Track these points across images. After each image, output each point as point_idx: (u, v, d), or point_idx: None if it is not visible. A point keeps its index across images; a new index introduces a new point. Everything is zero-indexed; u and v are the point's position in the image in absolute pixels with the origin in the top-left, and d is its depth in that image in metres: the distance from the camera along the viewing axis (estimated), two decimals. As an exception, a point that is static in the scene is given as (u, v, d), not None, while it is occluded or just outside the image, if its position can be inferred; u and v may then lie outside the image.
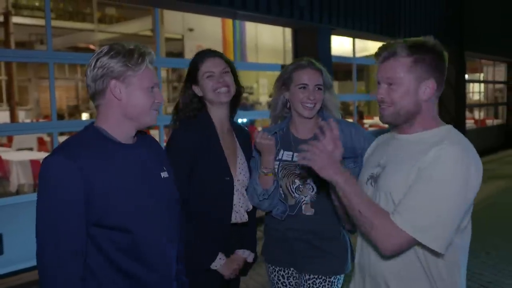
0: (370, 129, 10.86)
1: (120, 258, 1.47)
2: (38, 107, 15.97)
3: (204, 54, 2.08)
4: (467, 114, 14.79)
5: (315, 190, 2.06)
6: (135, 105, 1.50)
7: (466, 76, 14.03)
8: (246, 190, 2.11)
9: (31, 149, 9.92)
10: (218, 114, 2.09)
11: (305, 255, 2.09)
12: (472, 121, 13.71)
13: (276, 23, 6.85)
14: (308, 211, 2.07)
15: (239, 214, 2.07)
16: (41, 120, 13.34)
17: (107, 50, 1.49)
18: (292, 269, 2.16)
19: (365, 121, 14.02)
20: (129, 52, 1.48)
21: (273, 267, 2.21)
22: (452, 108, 10.91)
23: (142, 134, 1.66)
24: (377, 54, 1.55)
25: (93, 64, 1.49)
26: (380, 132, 9.83)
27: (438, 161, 1.39)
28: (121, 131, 1.53)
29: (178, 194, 1.68)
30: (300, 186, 2.06)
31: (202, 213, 1.94)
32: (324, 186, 2.03)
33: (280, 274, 2.19)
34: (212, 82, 2.02)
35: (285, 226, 2.10)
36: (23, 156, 7.72)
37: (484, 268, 4.51)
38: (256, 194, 2.03)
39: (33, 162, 6.84)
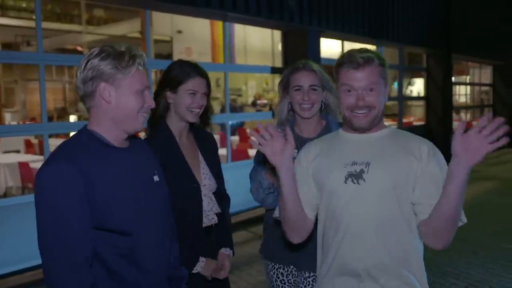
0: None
1: (117, 263, 1.46)
2: (25, 109, 15.83)
3: (195, 70, 2.08)
4: (454, 116, 14.95)
5: None
6: (124, 108, 1.48)
7: (453, 78, 14.21)
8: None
9: (18, 151, 9.84)
10: (177, 125, 2.13)
11: (305, 252, 2.10)
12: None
13: (266, 25, 6.88)
14: None
15: (209, 218, 2.13)
16: (28, 122, 13.24)
17: (98, 52, 1.47)
18: (291, 266, 2.19)
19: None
20: (120, 54, 1.47)
21: (273, 264, 2.24)
22: (439, 110, 11.02)
23: (134, 138, 1.65)
24: (351, 62, 1.61)
25: (83, 65, 1.47)
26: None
27: (437, 154, 1.61)
28: (112, 134, 1.51)
29: (168, 197, 1.69)
30: None
31: (175, 221, 1.94)
32: None
33: (279, 271, 2.21)
34: (191, 101, 2.05)
35: None
36: (10, 158, 7.65)
37: (471, 267, 4.57)
38: (262, 188, 2.09)
39: (21, 165, 6.79)
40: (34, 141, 10.43)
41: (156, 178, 1.62)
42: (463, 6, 11.54)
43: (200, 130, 2.24)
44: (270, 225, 2.22)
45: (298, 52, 6.88)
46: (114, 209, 1.43)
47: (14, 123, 14.16)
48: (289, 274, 2.20)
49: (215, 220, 2.15)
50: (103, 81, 1.46)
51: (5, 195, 6.88)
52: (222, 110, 7.04)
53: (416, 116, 16.08)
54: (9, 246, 4.20)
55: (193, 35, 13.05)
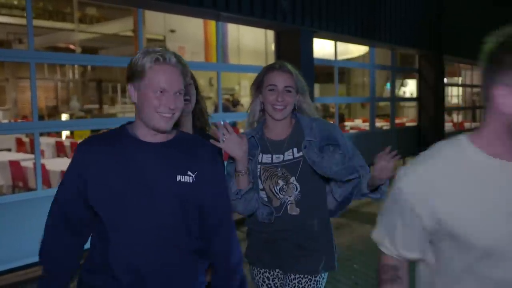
0: (351, 131, 10.94)
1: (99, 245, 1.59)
2: (16, 107, 15.72)
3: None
4: (446, 117, 15.04)
5: (298, 189, 2.07)
6: (143, 108, 1.52)
7: (445, 80, 14.28)
8: None
9: (9, 149, 9.78)
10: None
11: (291, 255, 2.09)
12: (451, 124, 13.94)
13: (259, 25, 6.89)
14: (294, 210, 2.08)
15: None
16: (19, 121, 13.15)
17: (140, 52, 1.54)
18: (277, 270, 2.16)
19: (346, 123, 14.14)
20: (147, 54, 1.50)
21: (258, 269, 2.20)
22: (432, 111, 11.08)
23: (184, 135, 1.70)
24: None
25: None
26: (360, 134, 9.96)
27: None
28: (140, 130, 1.58)
29: (197, 200, 1.61)
30: (284, 186, 2.07)
31: None
32: (307, 184, 2.07)
33: (265, 276, 2.19)
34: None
35: (271, 227, 2.11)
36: (1, 157, 7.61)
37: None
38: (230, 193, 2.03)
39: (11, 163, 6.74)
40: (26, 139, 10.37)
41: (181, 178, 1.57)
42: (455, 8, 11.60)
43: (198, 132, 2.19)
44: (254, 230, 2.20)
45: (291, 52, 6.89)
46: (94, 193, 1.55)
47: (6, 121, 14.09)
48: (275, 278, 2.18)
49: None
50: (129, 81, 1.55)
51: (-5, 194, 6.84)
52: (216, 110, 7.02)
53: (409, 117, 16.18)
54: (1, 245, 4.17)
55: (186, 34, 13.03)
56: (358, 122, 14.64)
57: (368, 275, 4.45)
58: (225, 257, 1.69)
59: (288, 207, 2.09)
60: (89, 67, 19.48)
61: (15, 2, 14.52)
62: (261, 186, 2.10)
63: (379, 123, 12.89)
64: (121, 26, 13.50)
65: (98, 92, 18.52)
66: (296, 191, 2.07)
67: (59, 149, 9.81)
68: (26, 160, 6.84)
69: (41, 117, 15.09)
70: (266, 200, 2.10)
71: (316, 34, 7.28)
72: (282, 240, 2.10)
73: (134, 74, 1.52)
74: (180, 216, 1.58)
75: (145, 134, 1.57)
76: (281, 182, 2.07)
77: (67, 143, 9.85)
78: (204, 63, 8.89)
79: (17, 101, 15.82)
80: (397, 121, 13.12)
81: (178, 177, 1.57)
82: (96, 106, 17.29)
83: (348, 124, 13.88)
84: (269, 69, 2.12)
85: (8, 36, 14.59)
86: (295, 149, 2.08)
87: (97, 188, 1.54)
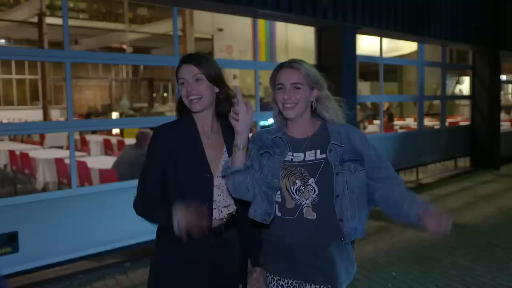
0: (400, 130, 10.58)
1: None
2: (73, 106, 16.31)
3: (181, 60, 2.08)
4: (504, 116, 14.26)
5: (316, 192, 1.94)
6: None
7: (504, 77, 13.52)
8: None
9: (61, 147, 10.14)
10: (199, 117, 2.10)
11: (308, 263, 1.97)
12: (509, 123, 13.22)
13: (298, 22, 6.73)
14: (310, 215, 1.95)
15: (217, 210, 2.06)
16: (75, 119, 13.61)
17: None
18: (293, 279, 2.04)
19: (396, 122, 13.73)
20: None
21: (272, 276, 2.09)
22: (486, 110, 10.51)
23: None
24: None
25: None
26: (408, 134, 9.60)
27: None
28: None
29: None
30: (301, 187, 1.95)
31: None
32: (326, 188, 1.94)
33: (279, 284, 2.07)
34: (183, 90, 2.04)
35: (284, 231, 2.00)
36: (51, 154, 7.87)
37: None
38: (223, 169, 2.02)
39: (57, 161, 6.95)
40: (77, 137, 10.74)
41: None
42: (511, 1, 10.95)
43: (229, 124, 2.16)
44: (267, 233, 2.10)
45: (333, 49, 6.69)
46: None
47: (62, 119, 14.68)
48: (290, 286, 2.07)
49: (223, 215, 2.07)
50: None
51: (43, 190, 7.08)
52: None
53: (465, 115, 15.48)
54: (37, 240, 4.27)
55: (234, 33, 13.08)
56: (409, 121, 14.19)
57: (406, 284, 4.24)
58: None
59: (304, 210, 1.96)
60: (141, 67, 19.98)
61: (71, 5, 15.05)
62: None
63: (431, 122, 12.42)
64: (170, 26, 13.69)
65: (150, 91, 18.95)
66: (314, 194, 1.95)
67: (107, 147, 10.07)
68: (68, 157, 7.03)
69: (94, 115, 15.65)
70: (280, 200, 1.99)
71: (359, 30, 7.04)
72: (298, 247, 1.98)
73: None
74: None
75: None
76: (298, 182, 1.96)
77: (114, 141, 10.09)
78: (249, 61, 8.80)
79: (74, 100, 16.39)
80: (451, 120, 12.60)
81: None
82: (146, 104, 17.67)
83: (398, 123, 13.47)
84: (277, 67, 2.05)
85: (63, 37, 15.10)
86: (318, 151, 1.98)
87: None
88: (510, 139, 11.31)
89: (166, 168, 2.01)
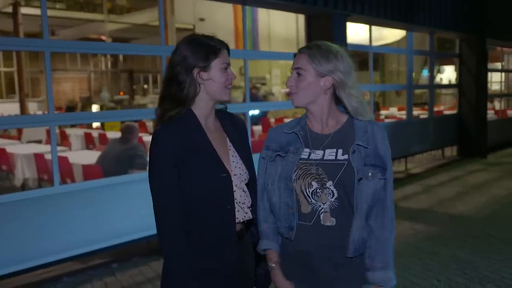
0: (387, 120, 10.48)
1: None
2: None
3: (221, 41, 1.85)
4: (488, 104, 14.30)
5: (335, 195, 1.71)
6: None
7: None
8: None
9: (40, 141, 9.78)
10: (202, 110, 1.84)
11: (327, 274, 1.75)
12: (493, 111, 13.25)
13: (288, 9, 6.52)
14: (328, 221, 1.73)
15: (242, 212, 1.84)
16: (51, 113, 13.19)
17: None
18: None
19: (382, 112, 13.64)
20: None
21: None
22: (473, 98, 10.46)
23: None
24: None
25: None
26: (397, 124, 9.51)
27: None
28: None
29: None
30: (318, 190, 1.72)
31: (201, 217, 1.71)
32: (347, 193, 1.71)
33: None
34: (226, 77, 1.81)
35: (301, 238, 1.77)
36: (29, 149, 7.55)
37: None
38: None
39: (36, 156, 6.64)
40: (56, 131, 10.38)
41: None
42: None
43: (228, 114, 1.95)
44: (284, 239, 1.89)
45: (323, 37, 6.47)
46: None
47: (40, 112, 14.23)
48: None
49: (249, 215, 1.86)
50: None
51: (23, 188, 6.77)
52: (244, 99, 6.72)
53: (447, 104, 15.50)
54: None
55: (216, 23, 12.80)
56: (393, 111, 14.12)
57: (408, 280, 4.10)
58: None
59: (322, 216, 1.73)
60: (120, 58, 19.56)
61: (47, -6, 14.54)
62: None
63: (415, 112, 12.35)
64: (150, 16, 13.37)
65: (130, 83, 18.56)
66: (332, 197, 1.71)
67: (88, 141, 9.74)
68: (49, 153, 6.71)
69: (73, 109, 15.23)
70: (295, 204, 1.76)
71: (350, 17, 6.86)
72: (316, 255, 1.75)
73: None
74: None
75: None
76: (315, 184, 1.72)
77: (95, 134, 9.76)
78: (233, 50, 8.55)
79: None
80: (435, 109, 12.55)
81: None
82: (127, 97, 17.31)
83: (383, 112, 13.38)
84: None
85: (40, 28, 14.63)
86: (340, 151, 1.74)
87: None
88: (496, 128, 11.32)
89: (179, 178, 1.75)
